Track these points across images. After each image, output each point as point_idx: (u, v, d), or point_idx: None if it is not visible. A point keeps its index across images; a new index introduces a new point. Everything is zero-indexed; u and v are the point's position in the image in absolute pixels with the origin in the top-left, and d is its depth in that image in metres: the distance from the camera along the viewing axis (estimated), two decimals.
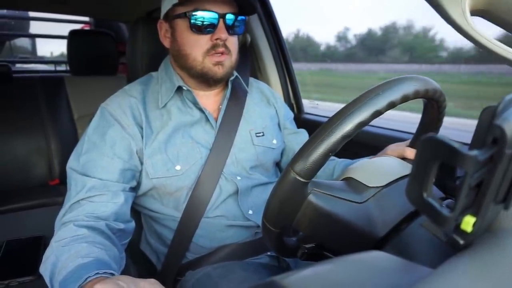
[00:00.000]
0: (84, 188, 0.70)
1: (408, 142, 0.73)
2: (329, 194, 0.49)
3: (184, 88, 0.82)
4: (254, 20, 1.54)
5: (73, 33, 1.64)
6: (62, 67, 3.35)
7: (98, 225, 0.67)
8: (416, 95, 0.49)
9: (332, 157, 0.60)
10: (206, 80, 0.81)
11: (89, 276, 0.53)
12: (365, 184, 0.52)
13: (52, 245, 0.64)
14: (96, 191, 0.70)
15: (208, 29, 0.77)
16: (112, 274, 0.55)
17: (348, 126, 0.43)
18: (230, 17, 0.78)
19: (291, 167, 0.45)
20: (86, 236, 0.63)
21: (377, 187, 0.52)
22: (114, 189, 0.72)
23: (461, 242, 0.28)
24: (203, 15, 0.76)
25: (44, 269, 0.61)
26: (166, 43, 0.86)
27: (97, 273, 0.54)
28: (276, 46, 1.59)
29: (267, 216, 0.49)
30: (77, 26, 2.94)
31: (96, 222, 0.67)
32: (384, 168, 0.55)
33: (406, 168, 0.55)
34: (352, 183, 0.53)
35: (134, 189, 0.79)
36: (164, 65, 0.89)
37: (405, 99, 0.47)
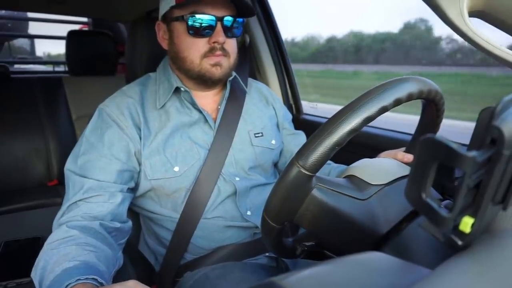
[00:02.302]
0: (82, 189, 0.70)
1: (403, 149, 0.74)
2: (333, 190, 0.49)
3: (182, 89, 0.82)
4: (253, 21, 1.54)
5: (71, 33, 1.63)
6: (61, 68, 3.34)
7: (91, 225, 0.66)
8: (419, 95, 0.50)
9: (328, 162, 0.60)
10: (204, 81, 0.81)
11: (70, 283, 0.52)
12: (367, 182, 0.52)
13: (44, 248, 0.63)
14: (93, 192, 0.70)
15: (206, 32, 0.77)
16: (95, 279, 0.54)
17: (355, 120, 0.44)
18: (228, 19, 0.77)
19: (296, 159, 0.45)
20: (77, 238, 0.62)
21: (379, 185, 0.52)
22: (112, 190, 0.71)
23: (460, 242, 0.28)
24: (201, 18, 0.76)
25: (34, 275, 0.60)
26: (164, 44, 0.85)
27: (79, 279, 0.53)
28: (275, 47, 1.59)
29: (269, 210, 0.49)
30: (76, 27, 2.94)
31: (90, 222, 0.67)
32: (386, 167, 0.56)
33: (406, 169, 0.56)
34: (354, 181, 0.53)
35: (132, 190, 0.79)
36: (162, 66, 0.89)
37: (410, 97, 0.48)
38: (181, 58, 0.80)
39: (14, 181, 1.47)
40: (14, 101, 1.52)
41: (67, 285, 0.52)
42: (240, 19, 0.81)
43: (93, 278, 0.54)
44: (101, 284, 0.55)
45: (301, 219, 0.49)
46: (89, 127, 0.78)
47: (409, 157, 0.68)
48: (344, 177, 0.56)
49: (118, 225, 0.71)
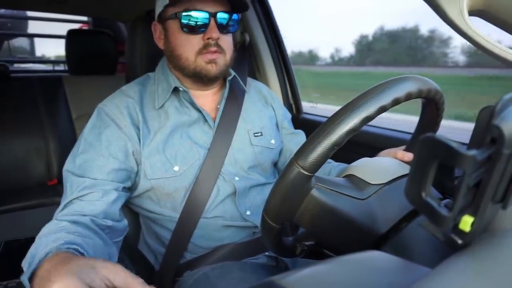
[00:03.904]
0: (78, 188, 0.69)
1: (402, 147, 0.74)
2: (332, 190, 0.49)
3: (180, 88, 0.82)
4: (253, 20, 1.54)
5: (71, 32, 1.63)
6: (61, 67, 3.34)
7: (82, 219, 0.65)
8: (419, 94, 0.49)
9: (328, 160, 0.60)
10: (200, 78, 0.81)
11: (50, 251, 0.51)
12: (366, 181, 0.52)
13: (35, 241, 0.61)
14: (87, 190, 0.69)
15: (199, 29, 0.77)
16: (76, 250, 0.52)
17: (354, 119, 0.44)
18: (221, 15, 0.77)
19: (295, 160, 0.45)
20: (67, 227, 0.62)
21: (378, 184, 0.52)
22: (106, 187, 0.71)
23: (460, 241, 0.28)
24: (194, 15, 0.76)
25: (24, 263, 0.58)
26: (161, 44, 0.85)
27: (58, 248, 0.51)
28: (275, 46, 1.59)
29: (268, 210, 0.49)
30: (76, 26, 2.94)
31: (80, 217, 0.66)
32: (385, 166, 0.55)
33: (407, 167, 0.56)
34: (354, 180, 0.53)
35: (129, 189, 0.78)
36: (160, 65, 0.89)
37: (408, 97, 0.48)
38: (176, 56, 0.80)
39: (14, 181, 1.47)
40: (14, 100, 1.52)
41: (47, 253, 0.50)
42: (235, 15, 0.81)
43: (74, 249, 0.52)
44: (82, 254, 0.53)
45: (300, 218, 0.49)
46: (88, 126, 0.78)
47: (409, 156, 0.68)
48: (343, 177, 0.56)
49: (110, 223, 0.70)
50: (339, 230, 0.50)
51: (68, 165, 0.74)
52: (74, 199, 0.69)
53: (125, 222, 0.75)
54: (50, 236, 0.59)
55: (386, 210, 0.50)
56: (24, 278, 0.53)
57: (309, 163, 0.44)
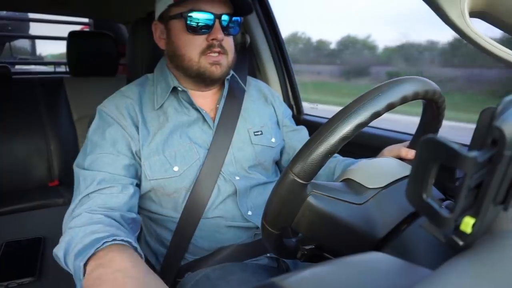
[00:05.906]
0: (94, 182, 0.69)
1: (406, 143, 0.73)
2: (328, 196, 0.49)
3: (179, 88, 0.82)
4: (254, 21, 1.54)
5: (72, 34, 1.64)
6: (62, 68, 3.35)
7: (112, 215, 0.66)
8: (415, 96, 0.49)
9: (334, 155, 0.60)
10: (203, 80, 0.81)
11: (106, 241, 0.53)
12: (364, 186, 0.52)
13: (66, 231, 0.63)
14: (106, 184, 0.69)
15: (203, 30, 0.77)
16: (129, 243, 0.55)
17: (347, 127, 0.44)
18: (225, 18, 0.78)
19: (290, 168, 0.45)
20: (103, 220, 0.63)
21: (376, 188, 0.51)
22: (124, 182, 0.71)
23: (461, 243, 0.28)
24: (199, 16, 0.76)
25: (58, 249, 0.60)
26: (161, 44, 0.85)
27: (115, 239, 0.53)
28: (276, 47, 1.59)
29: (267, 217, 0.49)
30: (77, 28, 2.94)
31: (111, 212, 0.66)
32: (383, 169, 0.55)
33: (406, 169, 0.55)
34: (351, 185, 0.53)
35: (139, 186, 0.79)
36: (159, 66, 0.89)
37: (404, 100, 0.47)
38: (179, 56, 0.80)
39: (15, 182, 1.47)
40: (15, 102, 1.53)
41: (103, 243, 0.52)
42: (237, 18, 0.81)
43: (127, 241, 0.55)
44: (136, 248, 0.56)
45: (298, 225, 0.49)
46: (91, 128, 0.78)
47: (413, 153, 0.68)
48: (341, 181, 0.56)
49: (134, 215, 0.71)
50: (337, 235, 0.50)
51: (78, 162, 0.75)
52: (91, 192, 0.68)
53: (140, 217, 0.76)
54: (89, 227, 0.60)
55: (385, 214, 0.50)
56: (80, 264, 0.54)
57: (304, 172, 0.44)
